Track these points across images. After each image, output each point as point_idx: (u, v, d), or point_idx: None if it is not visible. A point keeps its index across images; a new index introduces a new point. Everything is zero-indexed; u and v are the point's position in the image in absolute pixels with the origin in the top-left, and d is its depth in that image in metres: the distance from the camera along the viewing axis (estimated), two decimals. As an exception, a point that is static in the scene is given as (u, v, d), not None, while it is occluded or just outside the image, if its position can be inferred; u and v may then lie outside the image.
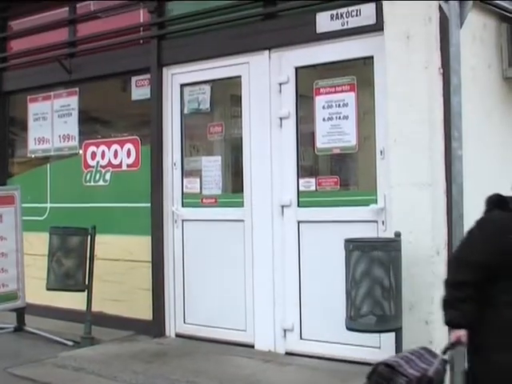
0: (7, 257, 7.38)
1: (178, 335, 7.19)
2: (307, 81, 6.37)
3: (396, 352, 5.16)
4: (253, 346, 6.58)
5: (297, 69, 6.41)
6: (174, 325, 7.22)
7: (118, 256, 7.61)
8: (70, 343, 7.15)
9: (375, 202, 5.82)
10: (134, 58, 7.56)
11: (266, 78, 6.57)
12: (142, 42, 7.69)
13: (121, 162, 7.75)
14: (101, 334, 7.24)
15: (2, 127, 9.14)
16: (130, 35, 7.72)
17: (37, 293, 7.76)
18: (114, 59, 7.75)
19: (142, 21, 7.68)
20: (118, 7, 7.85)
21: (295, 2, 6.40)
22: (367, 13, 5.86)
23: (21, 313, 7.61)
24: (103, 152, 7.90)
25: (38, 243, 8.00)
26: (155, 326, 7.24)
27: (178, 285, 7.20)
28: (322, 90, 6.23)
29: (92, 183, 8.00)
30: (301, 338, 6.30)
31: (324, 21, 6.13)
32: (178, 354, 6.59)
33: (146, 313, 7.32)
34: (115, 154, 7.80)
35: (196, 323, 7.04)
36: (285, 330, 6.39)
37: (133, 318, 7.49)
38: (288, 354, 6.35)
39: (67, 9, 8.45)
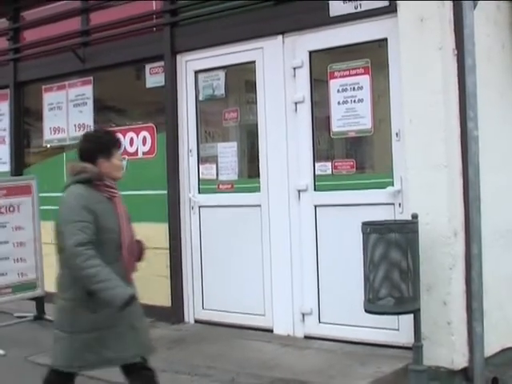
0: (25, 246, 7.44)
1: (196, 321, 7.23)
2: (321, 65, 6.36)
3: (415, 333, 5.18)
4: (271, 331, 6.61)
5: (311, 53, 6.40)
6: (192, 311, 7.26)
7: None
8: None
9: (392, 184, 5.82)
10: (147, 46, 7.57)
11: (280, 62, 6.56)
12: (155, 29, 7.68)
13: (137, 150, 7.77)
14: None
15: (17, 117, 9.17)
16: (143, 23, 7.71)
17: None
18: (128, 47, 7.76)
19: (154, 8, 7.67)
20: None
21: (307, -14, 6.38)
22: (380, -5, 5.84)
23: (40, 301, 7.67)
24: (118, 140, 7.92)
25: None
26: (174, 313, 7.29)
27: (195, 271, 7.24)
28: (336, 74, 6.22)
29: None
30: (319, 321, 6.33)
31: (337, 4, 6.11)
32: (197, 339, 6.63)
33: (164, 299, 7.36)
34: (131, 142, 7.81)
35: (214, 309, 7.08)
36: (303, 314, 6.41)
37: (151, 304, 7.46)
38: (307, 337, 6.38)
39: (79, -2, 8.47)
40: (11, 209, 7.31)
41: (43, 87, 8.87)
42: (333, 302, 6.22)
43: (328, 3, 6.15)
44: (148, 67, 7.73)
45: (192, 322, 7.25)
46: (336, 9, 6.12)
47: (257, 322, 6.72)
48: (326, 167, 6.30)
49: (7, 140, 9.26)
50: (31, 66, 8.94)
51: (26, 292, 7.47)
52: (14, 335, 7.15)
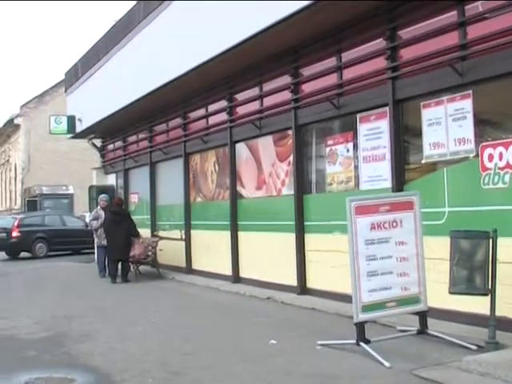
0: (408, 261, 7.54)
1: None
2: None
3: None
4: None
5: None
6: None
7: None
8: (474, 347, 7.07)
9: None
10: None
11: None
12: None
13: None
14: (505, 339, 7.06)
15: (396, 135, 9.37)
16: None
17: (438, 296, 7.83)
18: (506, 59, 7.54)
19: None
20: (507, 5, 7.59)
21: None
22: None
23: (423, 316, 7.70)
24: (500, 153, 7.67)
25: (437, 247, 8.07)
26: None
27: None
28: None
29: (491, 186, 7.82)
30: None
31: None
32: None
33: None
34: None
35: None
36: None
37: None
38: None
39: (455, 12, 8.40)
40: (394, 224, 7.47)
41: (422, 103, 8.93)
42: None
43: None
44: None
45: None
46: None
47: None
48: None
49: (387, 157, 9.53)
50: (409, 83, 9.09)
51: (409, 306, 7.57)
52: (397, 348, 7.32)
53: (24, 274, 18.70)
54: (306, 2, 9.24)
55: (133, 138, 20.51)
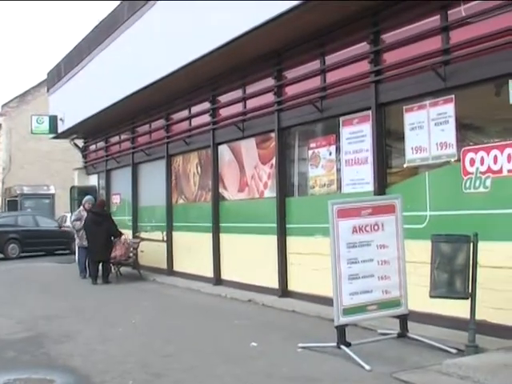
0: (389, 264, 7.56)
1: None
2: None
3: None
4: None
5: None
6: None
7: (502, 263, 7.37)
8: (454, 351, 7.11)
9: None
10: (509, 62, 7.29)
11: None
12: (516, 44, 7.38)
13: (501, 168, 7.49)
14: (485, 343, 7.09)
15: (379, 138, 9.39)
16: (506, 37, 7.43)
17: (418, 300, 7.86)
18: (489, 63, 7.56)
19: (516, 22, 7.37)
20: (490, 10, 7.65)
21: None
22: None
23: (404, 319, 7.73)
24: (482, 158, 7.71)
25: (419, 251, 8.10)
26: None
27: None
28: None
29: (472, 190, 7.84)
30: None
31: None
32: None
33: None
34: (495, 160, 7.56)
35: None
36: None
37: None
38: None
39: (438, 17, 8.44)
40: (376, 227, 7.49)
41: (404, 107, 8.95)
42: None
43: None
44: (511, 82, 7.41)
45: None
46: None
47: None
48: None
49: (370, 160, 9.55)
50: (392, 87, 9.11)
51: (389, 309, 7.60)
52: (378, 352, 7.34)
53: (-1, 276, 18.65)
54: (291, 4, 9.23)
55: (115, 139, 20.47)
